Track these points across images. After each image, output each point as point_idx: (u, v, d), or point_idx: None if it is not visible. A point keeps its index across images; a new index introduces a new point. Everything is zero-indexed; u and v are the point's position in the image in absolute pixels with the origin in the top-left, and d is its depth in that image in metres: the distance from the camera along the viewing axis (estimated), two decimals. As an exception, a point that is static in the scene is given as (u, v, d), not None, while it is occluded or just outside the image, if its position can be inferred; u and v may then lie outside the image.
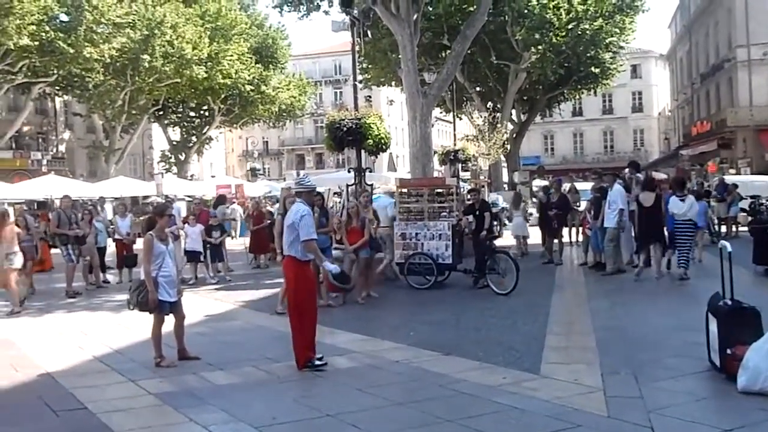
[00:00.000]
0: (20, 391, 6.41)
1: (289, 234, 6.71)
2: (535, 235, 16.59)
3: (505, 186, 33.81)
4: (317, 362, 6.61)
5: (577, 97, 39.65)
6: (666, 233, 12.03)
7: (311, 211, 7.00)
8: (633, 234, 12.92)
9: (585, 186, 20.33)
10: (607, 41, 30.73)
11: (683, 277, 11.37)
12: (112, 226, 16.85)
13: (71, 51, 28.48)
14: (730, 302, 5.93)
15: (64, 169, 39.26)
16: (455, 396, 5.66)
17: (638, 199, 12.01)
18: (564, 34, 28.48)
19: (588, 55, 30.67)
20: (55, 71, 30.92)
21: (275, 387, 6.19)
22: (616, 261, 12.60)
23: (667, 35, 57.25)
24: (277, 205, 16.42)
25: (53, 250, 21.87)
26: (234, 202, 24.94)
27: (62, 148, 43.98)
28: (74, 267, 12.83)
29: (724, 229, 19.03)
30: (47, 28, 27.90)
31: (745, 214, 18.94)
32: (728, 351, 5.64)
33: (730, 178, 22.65)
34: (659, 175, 34.41)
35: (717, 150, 36.37)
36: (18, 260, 10.79)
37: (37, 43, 27.63)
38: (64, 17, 29.92)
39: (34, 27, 26.90)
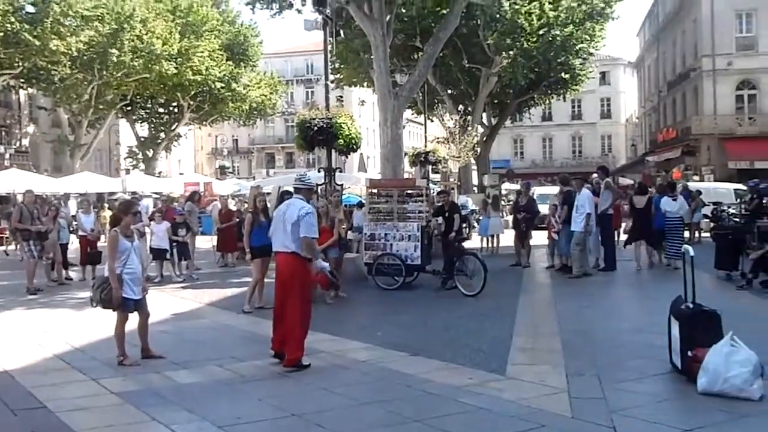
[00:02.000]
0: (-23, 390, 6.24)
1: (293, 231, 6.54)
2: (505, 239, 16.93)
3: (475, 189, 33.93)
4: (305, 363, 6.57)
5: (547, 102, 40.03)
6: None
7: (313, 209, 6.85)
8: (599, 238, 13.37)
9: (554, 190, 20.60)
10: (577, 47, 31.08)
11: (676, 267, 12.49)
12: (75, 223, 16.53)
13: (37, 43, 27.84)
14: (691, 306, 6.04)
15: (27, 164, 38.35)
16: (422, 396, 5.67)
17: (632, 201, 13.87)
18: (535, 39, 28.75)
19: (558, 60, 30.98)
20: (20, 63, 30.18)
21: (240, 386, 6.12)
22: (583, 264, 12.80)
23: (635, 43, 58.26)
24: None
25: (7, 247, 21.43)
26: (215, 200, 24.65)
27: (26, 142, 42.98)
28: (35, 263, 12.55)
29: (687, 234, 19.38)
30: (12, 19, 27.23)
31: (707, 220, 19.34)
32: (689, 353, 5.74)
33: (693, 185, 23.08)
34: (625, 181, 35.13)
35: (682, 157, 37.14)
36: None
37: (1, 34, 26.96)
38: (30, 8, 29.25)
39: (-2, 18, 26.31)
